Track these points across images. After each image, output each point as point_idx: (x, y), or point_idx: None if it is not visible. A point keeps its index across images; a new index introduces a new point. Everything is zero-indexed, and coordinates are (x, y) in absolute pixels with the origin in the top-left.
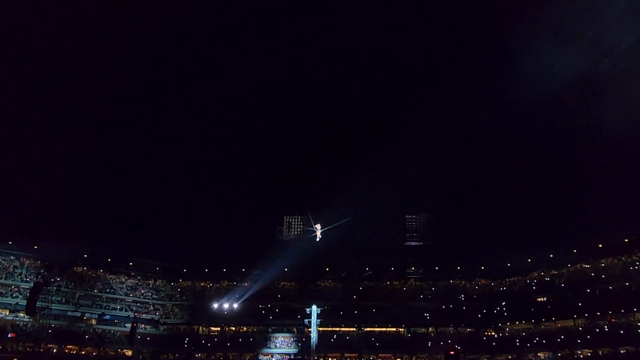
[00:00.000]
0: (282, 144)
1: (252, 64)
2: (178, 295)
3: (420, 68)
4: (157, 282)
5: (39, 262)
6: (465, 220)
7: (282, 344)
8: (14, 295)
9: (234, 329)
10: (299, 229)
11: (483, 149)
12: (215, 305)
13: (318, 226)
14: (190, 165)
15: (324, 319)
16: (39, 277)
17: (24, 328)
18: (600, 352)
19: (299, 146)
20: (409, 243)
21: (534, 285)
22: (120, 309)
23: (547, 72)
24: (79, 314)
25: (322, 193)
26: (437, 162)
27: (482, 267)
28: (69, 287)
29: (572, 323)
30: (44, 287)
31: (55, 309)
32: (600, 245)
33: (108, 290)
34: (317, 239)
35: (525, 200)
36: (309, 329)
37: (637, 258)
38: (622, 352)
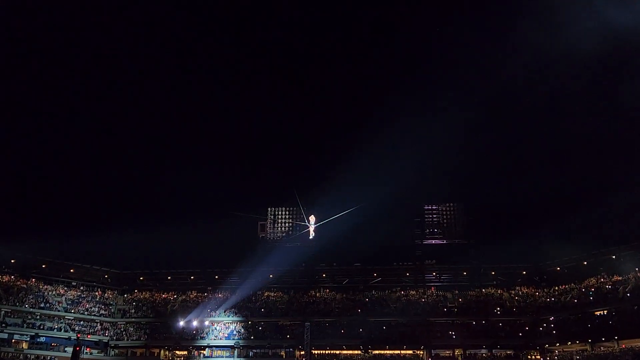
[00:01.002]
0: (264, 113)
1: None
2: (133, 311)
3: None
4: (106, 294)
5: None
6: (501, 211)
7: None
8: None
9: (205, 352)
10: (287, 224)
11: (525, 120)
12: (181, 323)
13: (312, 219)
14: (148, 148)
15: (320, 339)
16: None
17: None
18: None
19: (285, 115)
20: (428, 241)
21: (591, 295)
22: (59, 329)
23: None
24: (5, 336)
25: (317, 177)
26: (464, 136)
27: (524, 272)
28: None
29: None
30: None
31: None
32: None
33: (43, 305)
34: (311, 237)
35: (579, 187)
36: (301, 353)
37: None
38: None
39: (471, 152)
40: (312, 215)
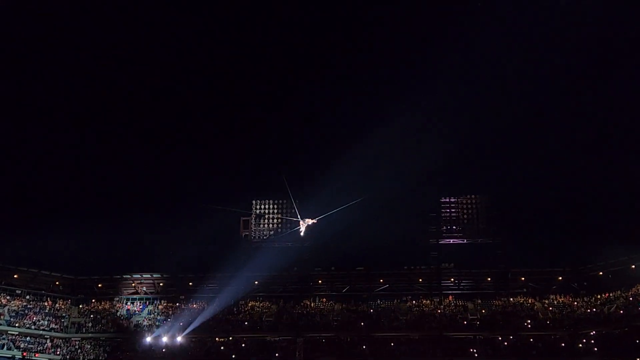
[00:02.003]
0: (248, 79)
1: None
2: (90, 324)
3: None
4: (57, 304)
5: None
6: (533, 205)
7: None
8: None
9: None
10: (275, 220)
11: (563, 97)
12: (149, 339)
13: (306, 216)
14: (105, 132)
15: (315, 358)
16: None
17: None
18: None
19: (274, 85)
20: (445, 241)
21: None
22: (1, 347)
23: None
24: None
25: (312, 164)
26: (488, 116)
27: (560, 277)
28: None
29: None
30: None
31: None
32: None
33: None
34: (303, 234)
35: (627, 176)
36: None
37: None
38: None
39: (496, 135)
40: (306, 210)
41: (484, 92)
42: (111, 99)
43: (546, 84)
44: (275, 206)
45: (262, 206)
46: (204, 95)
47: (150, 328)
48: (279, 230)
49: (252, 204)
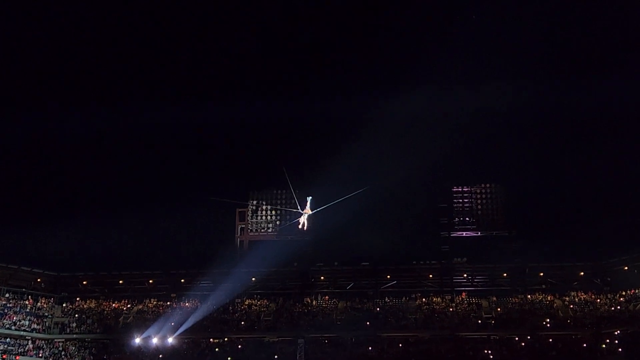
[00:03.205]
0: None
1: None
2: (74, 325)
3: None
4: (39, 303)
5: None
6: (552, 194)
7: None
8: None
9: None
10: (274, 212)
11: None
12: (137, 340)
13: (307, 205)
14: (91, 120)
15: (318, 359)
16: None
17: None
18: None
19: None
20: (457, 233)
21: None
22: None
23: None
24: None
25: (314, 151)
26: (504, 96)
27: (582, 273)
28: None
29: None
30: None
31: None
32: None
33: None
34: (303, 227)
35: None
36: None
37: None
38: None
39: (513, 118)
40: (308, 200)
41: (499, 70)
42: (91, 78)
43: (568, 61)
44: (275, 197)
45: (261, 197)
46: (196, 76)
47: (139, 329)
48: (278, 223)
49: (249, 195)
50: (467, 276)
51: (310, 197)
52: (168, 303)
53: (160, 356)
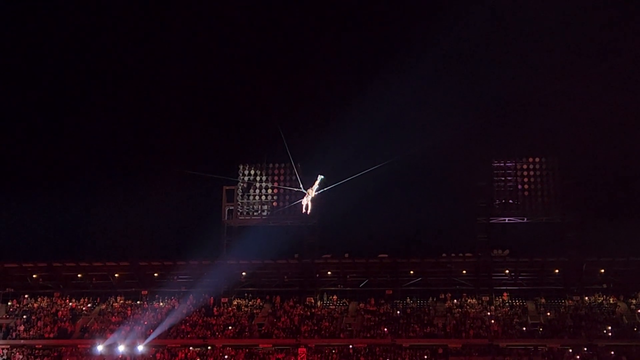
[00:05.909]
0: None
1: None
2: (22, 327)
3: None
4: None
5: None
6: (619, 172)
7: None
8: None
9: None
10: (270, 191)
11: None
12: (100, 348)
13: (313, 185)
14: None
15: None
16: None
17: None
18: None
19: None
20: (498, 219)
21: None
22: None
23: None
24: None
25: (319, 116)
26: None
27: None
28: None
29: None
30: None
31: None
32: None
33: None
34: (307, 211)
35: None
36: None
37: None
38: None
39: (569, 73)
40: (318, 179)
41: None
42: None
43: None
44: (271, 172)
45: (253, 172)
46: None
47: (102, 333)
48: (275, 204)
49: (239, 169)
50: (509, 273)
51: (323, 177)
52: (138, 302)
53: None
